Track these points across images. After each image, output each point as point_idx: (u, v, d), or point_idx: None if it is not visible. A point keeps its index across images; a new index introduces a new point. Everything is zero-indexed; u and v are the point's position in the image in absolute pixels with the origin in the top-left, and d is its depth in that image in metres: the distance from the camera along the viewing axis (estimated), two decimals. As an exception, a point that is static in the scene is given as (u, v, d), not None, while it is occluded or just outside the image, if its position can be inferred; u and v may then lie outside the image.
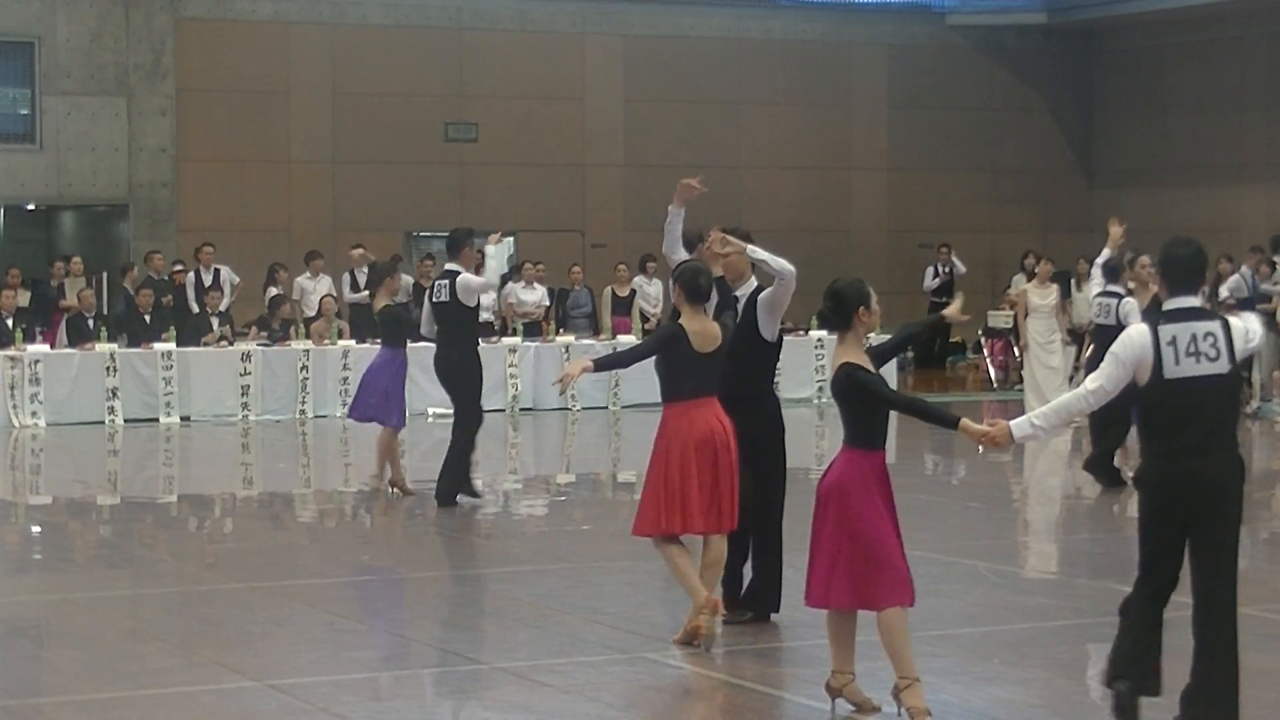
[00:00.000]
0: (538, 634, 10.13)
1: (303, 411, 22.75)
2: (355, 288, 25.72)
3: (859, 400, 7.98)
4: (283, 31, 28.34)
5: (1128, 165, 32.55)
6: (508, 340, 23.91)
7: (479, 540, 14.08)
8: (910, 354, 30.30)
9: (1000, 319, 27.95)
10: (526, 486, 17.26)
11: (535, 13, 29.70)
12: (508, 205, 28.79)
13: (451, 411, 15.34)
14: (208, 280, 24.72)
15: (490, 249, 15.08)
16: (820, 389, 24.51)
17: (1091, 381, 7.61)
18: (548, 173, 29.69)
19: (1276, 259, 23.95)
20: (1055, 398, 9.04)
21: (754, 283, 10.42)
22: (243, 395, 22.58)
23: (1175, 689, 7.69)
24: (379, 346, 16.30)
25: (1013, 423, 7.66)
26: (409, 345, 16.07)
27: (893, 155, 31.97)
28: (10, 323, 22.47)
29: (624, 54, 30.28)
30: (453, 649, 9.77)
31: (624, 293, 25.92)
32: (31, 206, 28.87)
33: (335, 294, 24.78)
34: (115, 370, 22.07)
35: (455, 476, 14.88)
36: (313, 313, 24.63)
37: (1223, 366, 7.50)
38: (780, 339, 10.39)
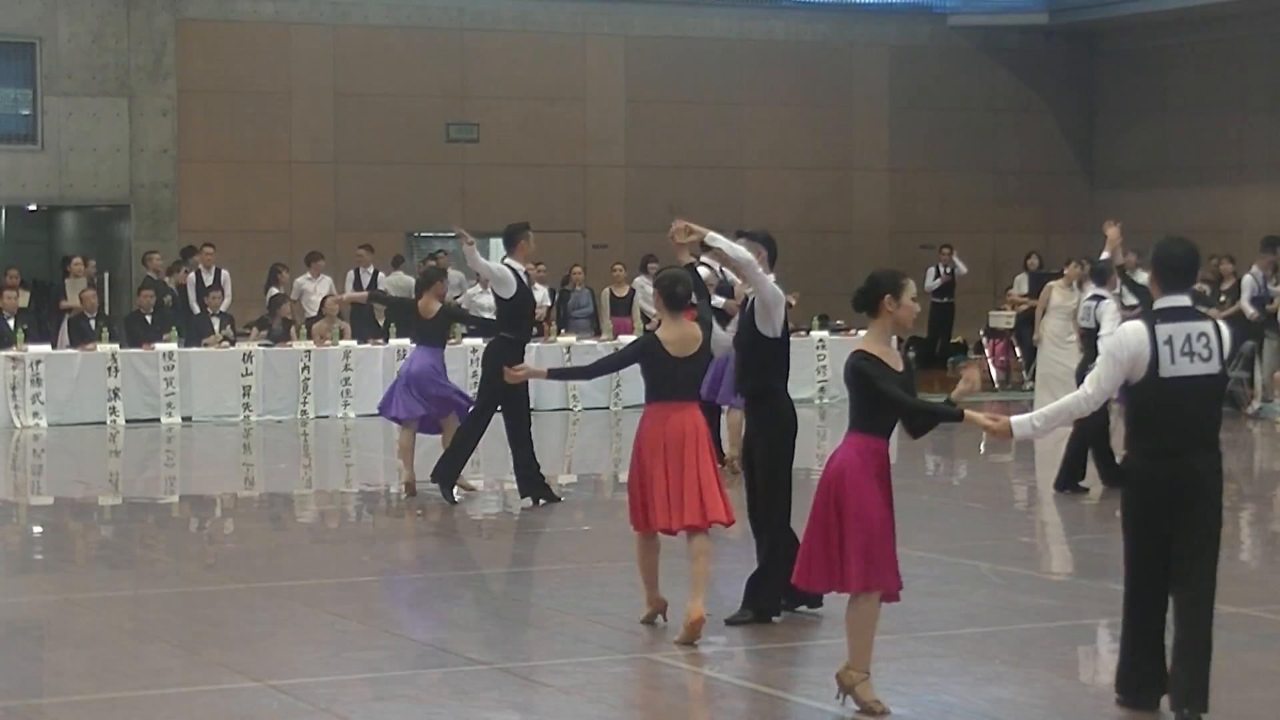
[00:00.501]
0: (539, 634, 10.13)
1: (304, 412, 22.76)
2: (359, 287, 25.78)
3: (862, 388, 8.03)
4: (284, 32, 28.34)
5: (1129, 166, 32.54)
6: (509, 341, 23.89)
7: (480, 540, 14.08)
8: (912, 354, 30.33)
9: (1002, 319, 27.97)
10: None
11: (537, 13, 29.70)
12: (509, 206, 28.74)
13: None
14: (208, 280, 24.74)
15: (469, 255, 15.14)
16: (822, 389, 24.50)
17: (1089, 384, 7.67)
18: (549, 173, 29.68)
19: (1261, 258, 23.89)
20: (1065, 384, 9.15)
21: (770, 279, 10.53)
22: (244, 396, 22.59)
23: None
24: (415, 347, 16.06)
25: (1014, 419, 7.72)
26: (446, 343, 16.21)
27: (894, 156, 31.96)
28: (12, 323, 22.48)
29: (625, 54, 30.28)
30: (454, 649, 9.77)
31: (622, 293, 25.93)
32: (33, 207, 28.87)
33: (336, 294, 24.81)
34: (117, 371, 22.08)
35: (458, 459, 14.95)
36: (313, 313, 24.66)
37: (1214, 367, 7.62)
38: (785, 335, 10.41)
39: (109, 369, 22.06)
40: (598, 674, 9.15)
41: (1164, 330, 7.57)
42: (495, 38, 29.38)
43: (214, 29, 27.91)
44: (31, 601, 11.40)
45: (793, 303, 13.23)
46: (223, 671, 9.06)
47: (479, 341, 23.72)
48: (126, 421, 21.94)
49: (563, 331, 24.86)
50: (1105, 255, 16.12)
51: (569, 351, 23.56)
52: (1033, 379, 25.69)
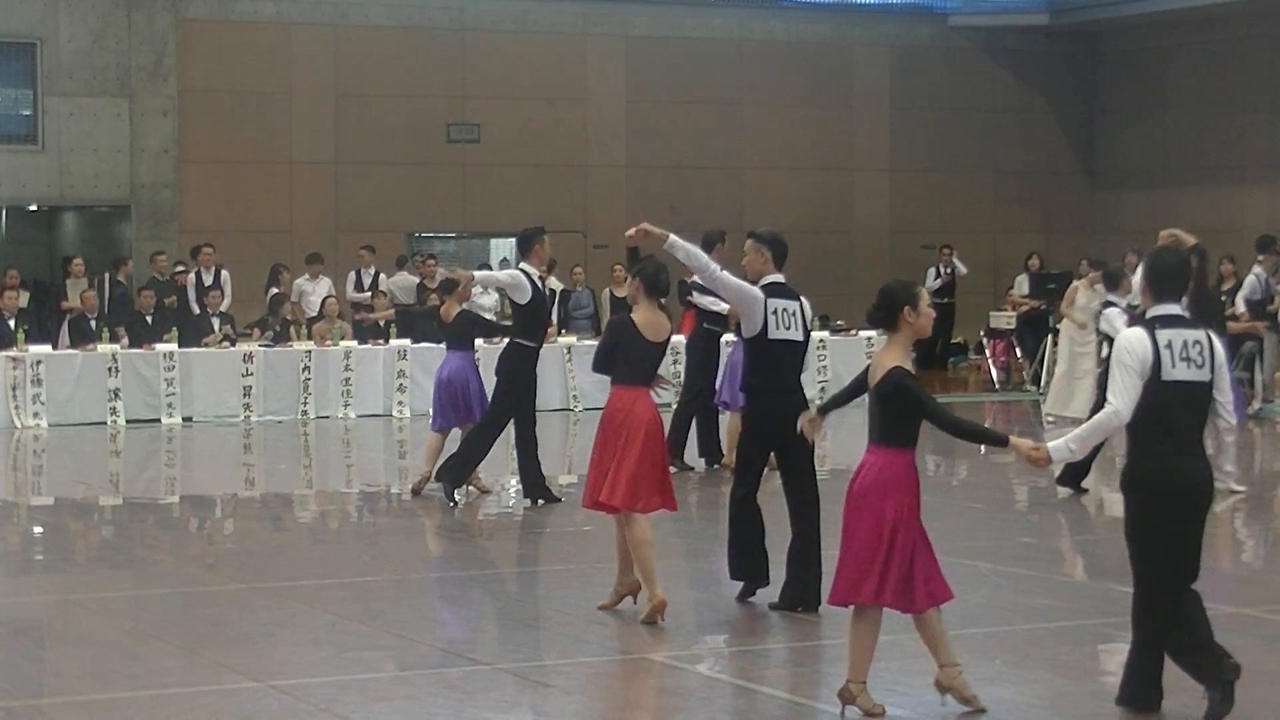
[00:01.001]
0: (539, 634, 10.13)
1: (305, 412, 22.76)
2: (360, 288, 25.80)
3: (903, 406, 8.00)
4: (285, 32, 28.34)
5: (1130, 166, 32.54)
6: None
7: (480, 541, 14.09)
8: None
9: (1002, 320, 27.97)
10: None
11: (537, 14, 29.70)
12: (509, 206, 28.77)
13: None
14: (208, 281, 24.75)
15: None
16: (822, 389, 24.45)
17: (1112, 399, 7.74)
18: (550, 174, 29.68)
19: (1261, 258, 23.88)
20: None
21: (775, 278, 10.61)
22: (245, 396, 22.59)
23: (1177, 689, 7.69)
24: (448, 352, 16.02)
25: (1052, 445, 7.82)
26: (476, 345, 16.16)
27: (895, 156, 31.96)
28: (12, 324, 22.48)
29: (626, 55, 30.27)
30: (454, 649, 9.77)
31: (622, 293, 25.92)
32: (33, 207, 28.88)
33: (335, 294, 24.84)
34: (117, 371, 22.08)
35: (469, 461, 14.96)
36: (313, 314, 24.67)
37: (1206, 374, 7.79)
38: (764, 333, 10.45)
39: (109, 369, 22.07)
40: (598, 674, 9.16)
41: (1163, 335, 7.74)
42: (496, 38, 29.38)
43: (214, 29, 27.92)
44: (32, 602, 11.40)
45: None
46: (223, 672, 9.07)
47: (479, 342, 23.77)
48: (127, 422, 21.95)
49: (563, 332, 24.86)
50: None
51: (569, 352, 23.56)
52: (1042, 378, 25.79)
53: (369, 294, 25.61)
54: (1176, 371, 7.67)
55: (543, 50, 29.62)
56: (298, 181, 28.46)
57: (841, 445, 21.50)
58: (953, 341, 30.19)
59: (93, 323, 23.10)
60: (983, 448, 19.74)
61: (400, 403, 23.02)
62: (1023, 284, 28.78)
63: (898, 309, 8.09)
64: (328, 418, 22.68)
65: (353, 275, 25.93)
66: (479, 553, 13.62)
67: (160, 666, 9.23)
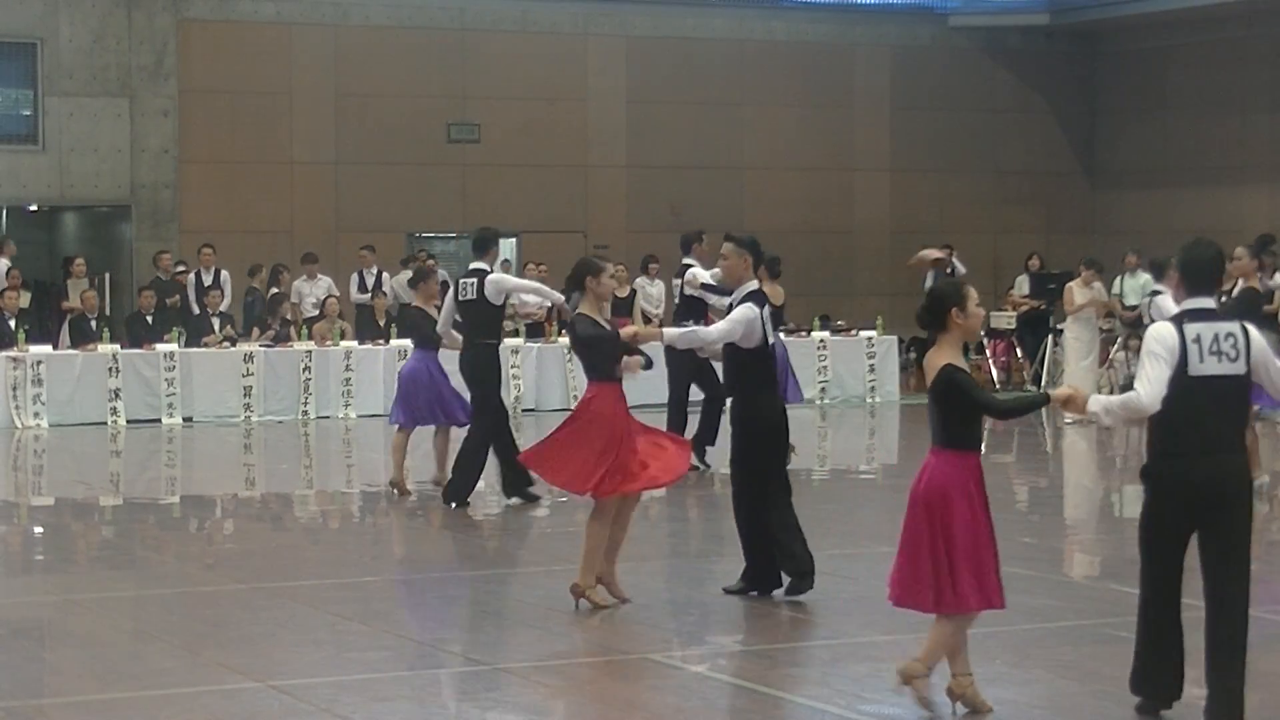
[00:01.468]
0: (539, 635, 10.13)
1: (305, 412, 22.77)
2: (363, 288, 25.80)
3: (957, 401, 7.98)
4: (285, 33, 28.34)
5: (1130, 166, 32.54)
6: (510, 341, 23.94)
7: (481, 541, 14.09)
8: (912, 354, 30.30)
9: (1003, 320, 27.96)
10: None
11: (537, 14, 29.70)
12: (510, 206, 28.78)
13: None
14: (208, 281, 24.76)
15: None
16: (822, 390, 24.44)
17: (1140, 386, 7.64)
18: (550, 174, 29.68)
19: (1263, 258, 23.86)
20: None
21: (750, 286, 10.71)
22: (245, 396, 22.59)
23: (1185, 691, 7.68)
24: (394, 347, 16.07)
25: (1093, 397, 7.80)
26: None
27: (895, 156, 31.96)
28: (13, 324, 22.49)
29: (626, 55, 30.27)
30: (454, 650, 9.78)
31: (623, 293, 25.89)
32: (34, 207, 28.87)
33: (335, 295, 24.84)
34: (118, 371, 22.09)
35: (470, 475, 14.96)
36: (309, 314, 24.67)
37: (1241, 368, 7.60)
38: (764, 342, 10.64)
39: (110, 369, 22.07)
40: (598, 674, 9.16)
41: (1192, 329, 7.56)
42: (496, 38, 29.38)
43: (215, 29, 27.92)
44: (33, 602, 11.40)
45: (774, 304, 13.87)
46: (224, 672, 9.07)
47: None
48: (127, 422, 21.95)
49: (563, 332, 24.85)
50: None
51: (570, 353, 23.55)
52: (1043, 379, 25.82)
53: (369, 295, 25.61)
54: (1205, 366, 7.51)
55: (543, 50, 29.62)
56: (298, 182, 28.46)
57: (842, 445, 21.51)
58: (953, 342, 30.15)
59: (93, 323, 23.10)
60: (983, 448, 19.77)
61: (401, 403, 23.00)
62: (1023, 284, 28.78)
63: (946, 310, 8.03)
64: (328, 418, 22.69)
65: (355, 277, 25.93)
66: (479, 552, 13.62)
67: (160, 666, 9.24)
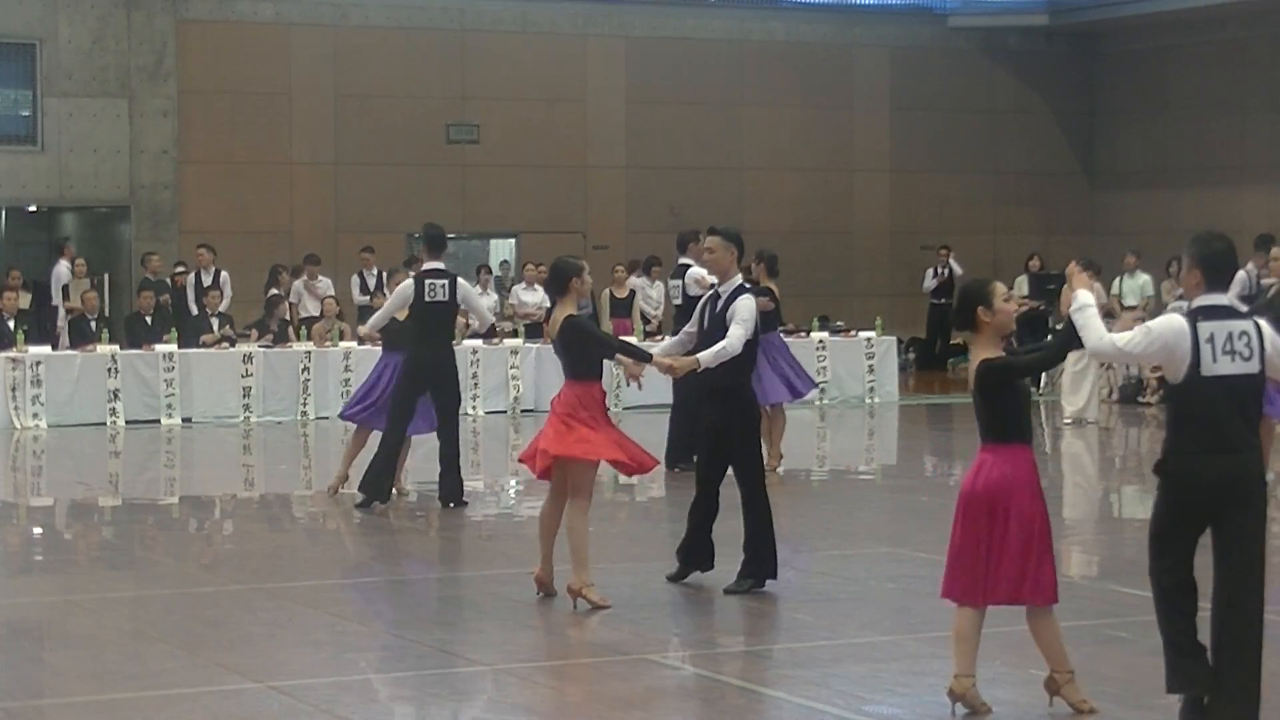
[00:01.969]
0: (539, 635, 10.13)
1: (304, 413, 22.76)
2: (365, 290, 25.78)
3: (1000, 389, 7.94)
4: (284, 33, 28.35)
5: (1130, 167, 32.55)
6: (509, 342, 23.95)
7: (479, 542, 14.09)
8: (911, 355, 30.31)
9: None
10: (527, 487, 17.24)
11: (537, 14, 29.71)
12: (509, 207, 28.80)
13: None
14: (207, 281, 24.75)
15: None
16: (822, 390, 24.42)
17: (1120, 339, 7.58)
18: (549, 174, 29.69)
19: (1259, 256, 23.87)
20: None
21: (738, 280, 10.78)
22: (244, 397, 22.59)
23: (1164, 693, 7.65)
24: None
25: (1090, 299, 7.67)
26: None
27: (895, 157, 31.97)
28: (12, 324, 22.48)
29: (626, 56, 30.28)
30: (454, 650, 9.77)
31: (622, 294, 25.90)
32: (33, 208, 28.88)
33: (334, 295, 24.82)
34: (116, 372, 22.08)
35: (388, 474, 14.84)
36: (307, 315, 24.66)
37: (1255, 366, 7.50)
38: (756, 339, 10.75)
39: (109, 370, 22.06)
40: (597, 674, 9.15)
41: (1205, 328, 7.45)
42: (496, 39, 29.39)
43: (214, 30, 27.93)
44: (32, 602, 11.40)
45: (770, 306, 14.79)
46: (223, 673, 9.06)
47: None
48: (126, 423, 21.94)
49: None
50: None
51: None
52: (1043, 379, 25.80)
53: (369, 296, 25.59)
54: (1219, 366, 7.41)
55: (543, 51, 29.62)
56: (297, 182, 28.46)
57: (842, 446, 21.51)
58: (952, 342, 30.17)
59: (92, 324, 23.09)
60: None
61: (400, 403, 22.99)
62: (1022, 285, 28.78)
63: (973, 310, 7.97)
64: (327, 418, 22.67)
65: (356, 278, 25.92)
66: (478, 553, 13.61)
67: (160, 667, 9.23)
